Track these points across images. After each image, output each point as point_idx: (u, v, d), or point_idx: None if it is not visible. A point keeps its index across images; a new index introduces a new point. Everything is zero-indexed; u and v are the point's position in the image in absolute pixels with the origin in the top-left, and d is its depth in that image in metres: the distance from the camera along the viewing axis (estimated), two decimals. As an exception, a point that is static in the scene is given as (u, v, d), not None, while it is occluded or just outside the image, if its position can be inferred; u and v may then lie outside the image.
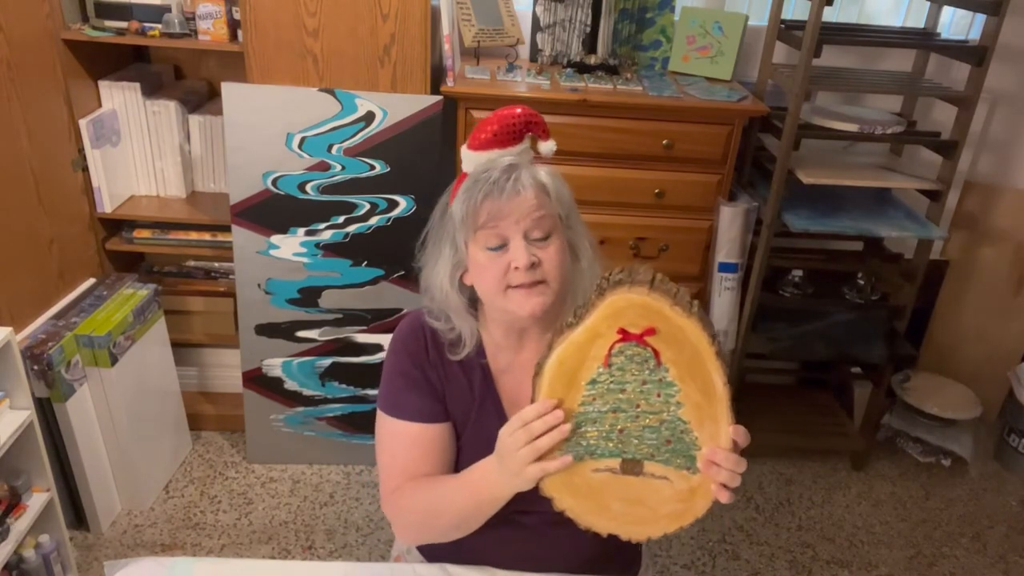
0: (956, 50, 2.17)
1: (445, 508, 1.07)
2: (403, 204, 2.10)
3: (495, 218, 1.03)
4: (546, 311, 1.06)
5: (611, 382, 0.91)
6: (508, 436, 0.94)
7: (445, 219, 1.10)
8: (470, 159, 1.09)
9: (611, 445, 0.93)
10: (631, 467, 0.93)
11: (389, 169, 2.07)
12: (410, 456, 1.12)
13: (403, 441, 1.13)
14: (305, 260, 2.13)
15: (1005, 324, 2.74)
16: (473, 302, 1.15)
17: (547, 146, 1.13)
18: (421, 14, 1.95)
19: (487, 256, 1.05)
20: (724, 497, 0.92)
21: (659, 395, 0.91)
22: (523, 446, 0.92)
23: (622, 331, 0.89)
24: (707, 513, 0.96)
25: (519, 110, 1.09)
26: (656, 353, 0.89)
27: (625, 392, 0.91)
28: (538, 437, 0.91)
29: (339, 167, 2.05)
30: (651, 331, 0.88)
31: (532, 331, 1.15)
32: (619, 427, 0.92)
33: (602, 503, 0.95)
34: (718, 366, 0.89)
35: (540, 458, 0.92)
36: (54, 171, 2.04)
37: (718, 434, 0.92)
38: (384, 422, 1.15)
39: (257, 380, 2.25)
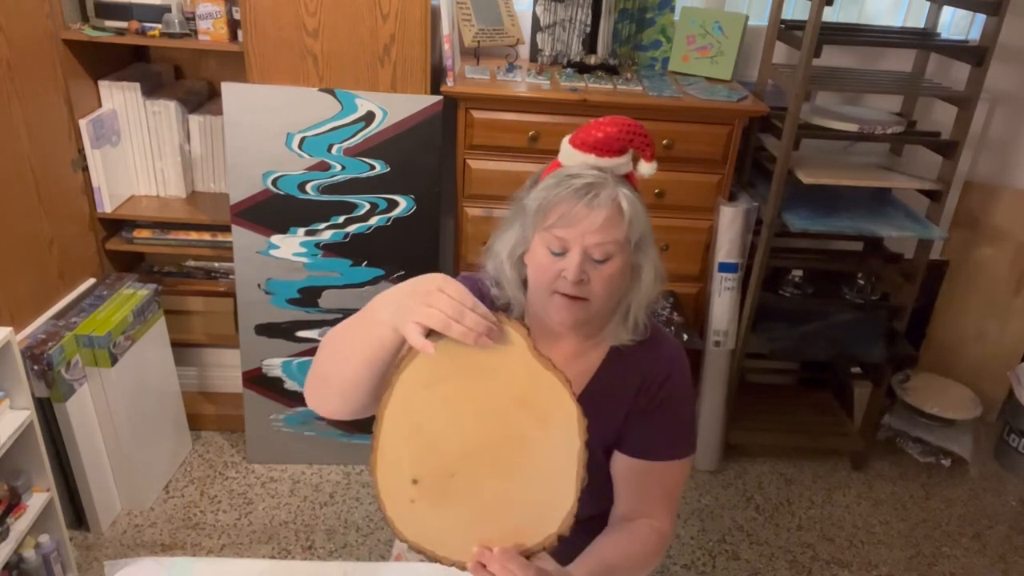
0: (956, 50, 2.17)
1: (339, 344, 1.00)
2: (403, 204, 2.10)
3: (562, 225, 1.03)
4: (577, 326, 1.07)
5: None
6: (435, 286, 0.87)
7: (526, 197, 1.10)
8: (568, 154, 1.09)
9: None
10: None
11: (389, 169, 2.07)
12: None
13: None
14: (305, 260, 2.13)
15: (1005, 324, 2.74)
16: (523, 282, 1.16)
17: (648, 168, 1.11)
18: (421, 14, 1.95)
19: (545, 256, 1.06)
20: None
21: None
22: (432, 307, 0.85)
23: None
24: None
25: (630, 124, 1.07)
26: None
27: None
28: (452, 319, 0.84)
29: (339, 167, 2.05)
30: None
31: (567, 337, 1.15)
32: None
33: None
34: None
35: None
36: (54, 171, 2.04)
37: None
38: None
39: (257, 380, 2.25)
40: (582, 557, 1.08)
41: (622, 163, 1.08)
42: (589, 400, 1.16)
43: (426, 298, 0.85)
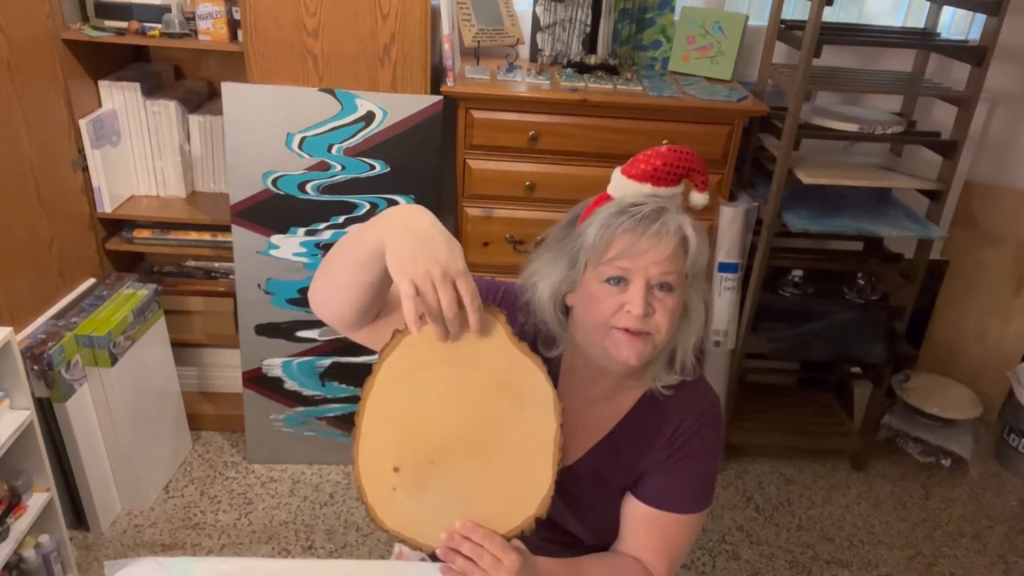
0: (956, 50, 2.17)
1: (353, 235, 0.97)
2: (403, 204, 2.10)
3: (625, 255, 0.98)
4: (643, 362, 1.01)
5: None
6: (457, 269, 0.86)
7: (573, 233, 1.04)
8: (620, 185, 1.03)
9: None
10: None
11: (389, 169, 2.07)
12: None
13: None
14: (305, 260, 2.13)
15: (1005, 324, 2.74)
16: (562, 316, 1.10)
17: (700, 199, 1.07)
18: (421, 14, 1.95)
19: (602, 289, 1.00)
20: None
21: None
22: (438, 293, 0.85)
23: None
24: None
25: (687, 152, 1.03)
26: None
27: None
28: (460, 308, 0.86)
29: (339, 167, 2.06)
30: None
31: (605, 377, 1.10)
32: None
33: None
34: None
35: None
36: (54, 171, 2.04)
37: None
38: None
39: (257, 380, 2.25)
40: (560, 559, 1.04)
41: (678, 193, 1.04)
42: (612, 444, 1.12)
43: (443, 278, 0.84)
